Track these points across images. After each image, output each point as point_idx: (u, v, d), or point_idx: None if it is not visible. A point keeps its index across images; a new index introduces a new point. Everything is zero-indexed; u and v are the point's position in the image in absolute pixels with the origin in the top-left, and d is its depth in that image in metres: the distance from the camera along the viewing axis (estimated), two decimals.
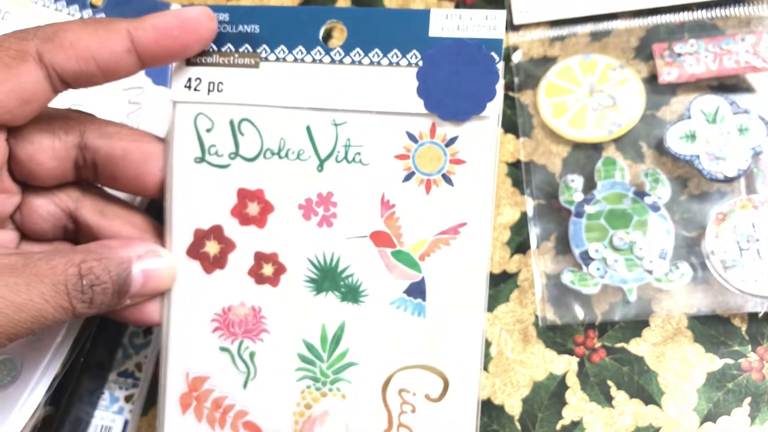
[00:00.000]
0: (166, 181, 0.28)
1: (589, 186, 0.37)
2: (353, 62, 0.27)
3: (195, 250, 0.28)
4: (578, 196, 0.36)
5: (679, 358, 0.34)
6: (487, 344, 0.36)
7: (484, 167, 0.26)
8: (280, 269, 0.28)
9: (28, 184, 0.28)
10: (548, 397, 0.35)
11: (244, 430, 0.28)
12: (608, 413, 0.34)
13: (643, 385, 0.34)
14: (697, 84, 0.37)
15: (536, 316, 0.36)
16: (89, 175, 0.29)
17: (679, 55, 0.37)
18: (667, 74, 0.37)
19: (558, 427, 0.35)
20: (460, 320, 0.27)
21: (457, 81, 0.26)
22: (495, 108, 0.26)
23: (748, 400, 0.33)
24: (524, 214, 0.38)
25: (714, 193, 0.36)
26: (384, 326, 0.27)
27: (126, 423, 0.37)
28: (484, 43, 0.26)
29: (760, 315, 0.34)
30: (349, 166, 0.27)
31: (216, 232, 0.28)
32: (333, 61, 0.27)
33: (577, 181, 0.37)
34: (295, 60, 0.27)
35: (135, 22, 0.25)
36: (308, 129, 0.27)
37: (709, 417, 0.33)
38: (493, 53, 0.26)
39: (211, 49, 0.28)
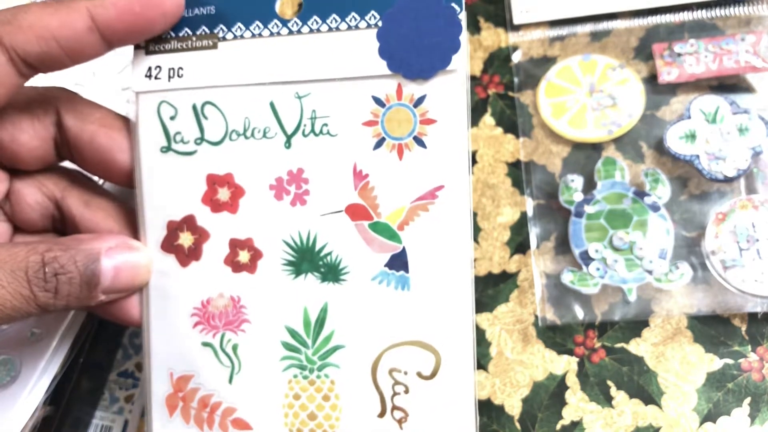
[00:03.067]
0: (135, 174, 0.28)
1: (589, 186, 0.37)
2: (311, 31, 0.26)
3: (169, 244, 0.28)
4: (578, 196, 0.36)
5: (679, 358, 0.34)
6: (487, 344, 0.36)
7: (457, 124, 0.25)
8: (256, 255, 0.27)
9: (13, 169, 0.28)
10: (548, 397, 0.35)
11: (234, 428, 0.27)
12: (608, 413, 0.34)
13: (643, 385, 0.34)
14: (697, 84, 0.37)
15: (536, 316, 0.36)
16: (68, 155, 0.28)
17: (679, 55, 0.37)
18: (667, 74, 0.37)
19: (558, 427, 0.35)
20: (446, 289, 0.25)
21: (419, 37, 0.25)
22: (461, 60, 0.25)
23: (748, 400, 0.33)
24: (524, 214, 0.38)
25: (714, 193, 0.36)
26: (368, 304, 0.26)
27: (126, 423, 0.37)
28: None
29: (760, 315, 0.34)
30: (317, 139, 0.26)
31: (189, 223, 0.27)
32: (291, 33, 0.26)
33: (576, 181, 0.37)
34: (253, 36, 0.27)
35: (96, 0, 0.25)
36: (272, 105, 0.27)
37: (709, 417, 0.33)
38: (453, 4, 0.25)
39: (168, 36, 0.27)
